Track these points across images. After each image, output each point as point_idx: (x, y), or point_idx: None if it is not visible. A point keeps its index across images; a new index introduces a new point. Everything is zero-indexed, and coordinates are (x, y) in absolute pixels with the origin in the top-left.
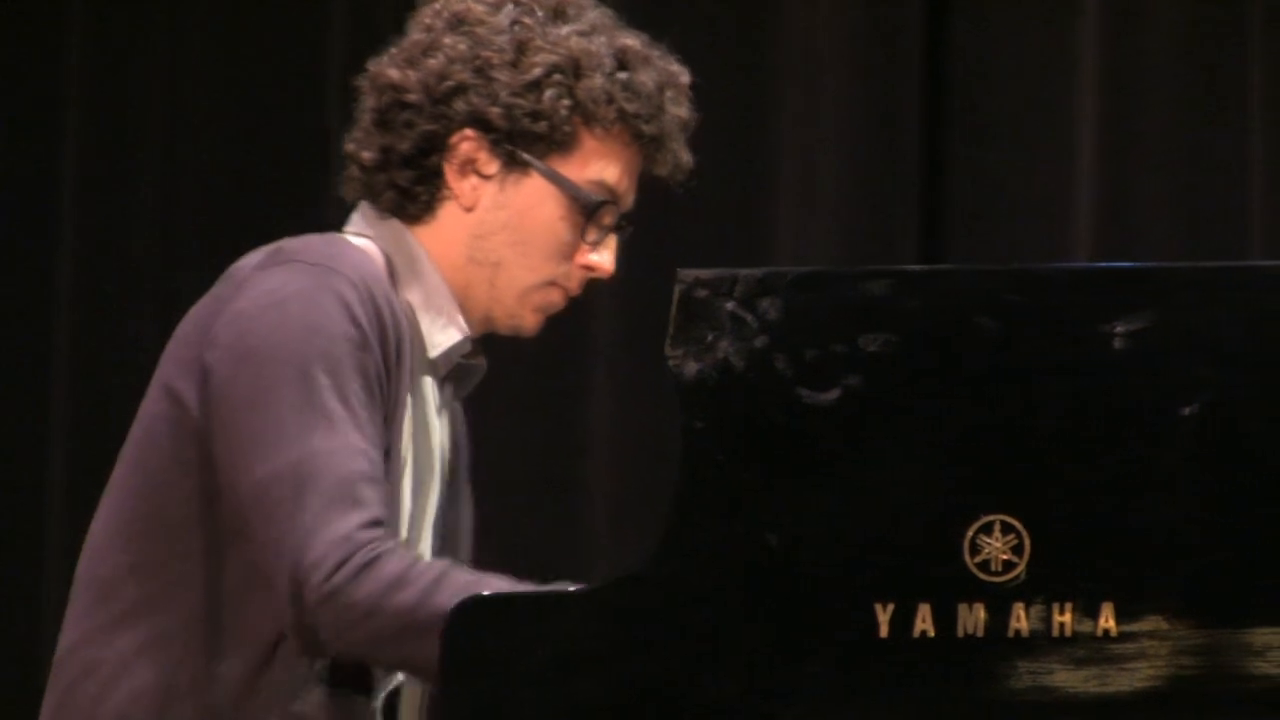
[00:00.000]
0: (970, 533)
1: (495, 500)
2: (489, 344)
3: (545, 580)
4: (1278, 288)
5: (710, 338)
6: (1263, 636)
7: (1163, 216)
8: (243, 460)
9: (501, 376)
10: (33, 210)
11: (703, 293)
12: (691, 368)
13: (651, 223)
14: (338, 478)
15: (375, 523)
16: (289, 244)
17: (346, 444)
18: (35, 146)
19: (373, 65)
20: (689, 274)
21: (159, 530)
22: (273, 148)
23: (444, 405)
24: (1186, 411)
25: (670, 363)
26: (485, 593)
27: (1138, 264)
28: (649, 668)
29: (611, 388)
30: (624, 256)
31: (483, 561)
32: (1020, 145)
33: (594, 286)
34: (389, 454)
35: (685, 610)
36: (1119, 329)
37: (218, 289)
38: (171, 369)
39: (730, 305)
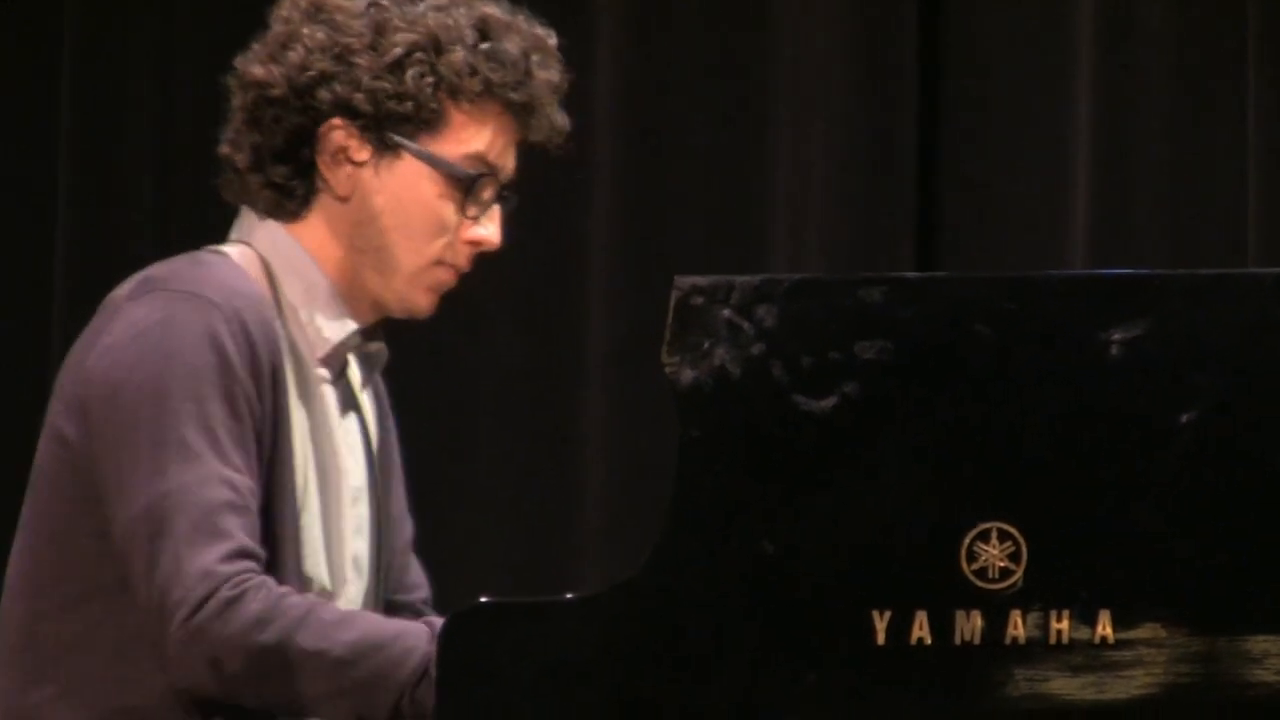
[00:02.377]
0: (967, 540)
1: (489, 509)
2: (479, 349)
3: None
4: (1274, 295)
5: (706, 345)
6: (1260, 644)
7: (1158, 224)
8: (111, 505)
9: (494, 384)
10: (27, 214)
11: (699, 300)
12: (688, 375)
13: (644, 231)
14: (195, 512)
15: (239, 552)
16: (157, 271)
17: (205, 474)
18: (30, 149)
19: (239, 63)
20: (685, 281)
21: (67, 572)
22: None
23: (362, 387)
24: (1183, 419)
25: (666, 370)
26: (483, 599)
27: (1134, 271)
28: (645, 676)
29: (606, 396)
30: (617, 264)
31: (469, 568)
32: (1015, 154)
33: (588, 297)
34: (275, 470)
35: (682, 619)
36: (1115, 336)
37: (95, 320)
38: (57, 408)
39: (726, 312)
